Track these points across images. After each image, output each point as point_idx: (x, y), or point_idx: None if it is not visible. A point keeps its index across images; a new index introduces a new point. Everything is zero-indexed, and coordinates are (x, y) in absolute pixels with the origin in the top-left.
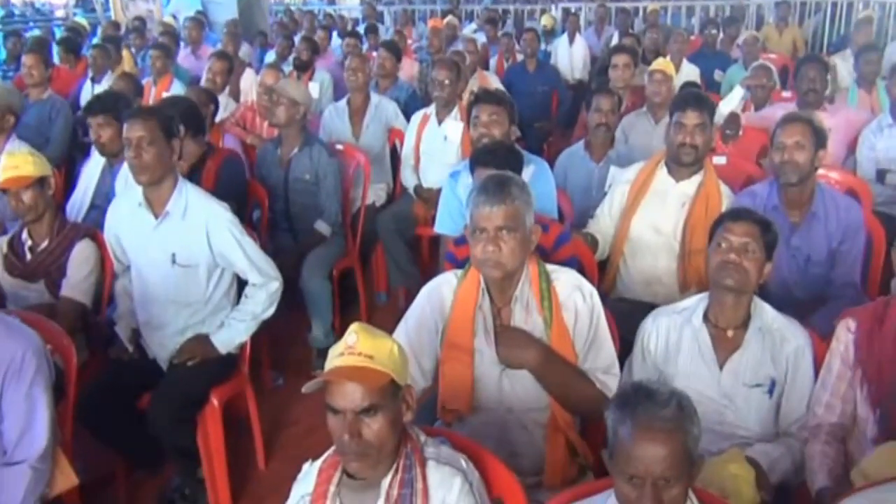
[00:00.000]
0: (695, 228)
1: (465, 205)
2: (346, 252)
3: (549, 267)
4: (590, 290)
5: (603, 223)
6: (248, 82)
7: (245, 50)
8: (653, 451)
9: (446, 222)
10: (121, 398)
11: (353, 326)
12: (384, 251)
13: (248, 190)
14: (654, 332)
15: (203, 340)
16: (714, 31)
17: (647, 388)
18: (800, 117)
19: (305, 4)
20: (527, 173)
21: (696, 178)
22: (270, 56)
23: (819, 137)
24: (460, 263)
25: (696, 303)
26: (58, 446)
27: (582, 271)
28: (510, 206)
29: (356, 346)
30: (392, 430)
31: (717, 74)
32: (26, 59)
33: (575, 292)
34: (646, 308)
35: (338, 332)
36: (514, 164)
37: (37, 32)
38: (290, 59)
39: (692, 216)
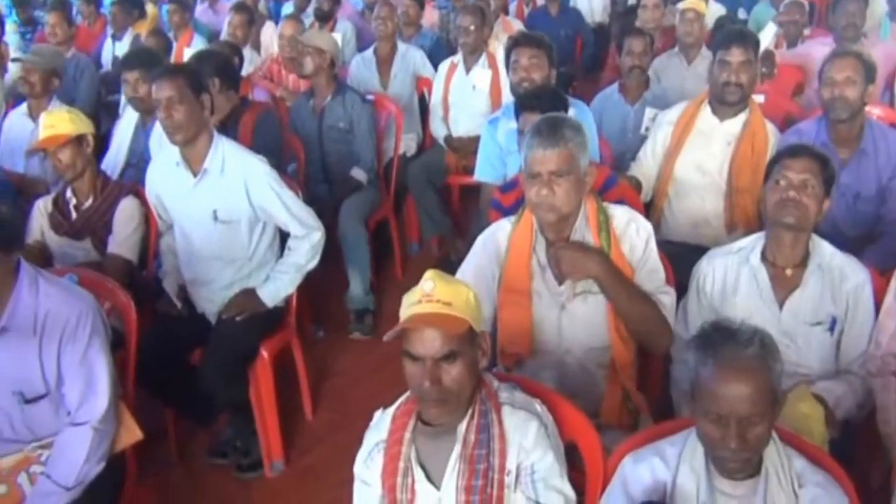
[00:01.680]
0: (741, 168)
1: (519, 149)
2: (380, 202)
3: (605, 204)
4: (645, 224)
5: (646, 165)
6: (269, 35)
7: (261, 2)
8: (738, 390)
9: (486, 170)
10: (171, 353)
11: (429, 274)
12: (415, 202)
13: (283, 143)
14: (710, 273)
15: (250, 295)
16: None
17: (728, 327)
18: (850, 52)
19: None
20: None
21: (741, 117)
22: (288, 7)
23: (869, 72)
24: (507, 210)
25: (753, 242)
26: (121, 402)
27: None
28: (564, 148)
29: (434, 293)
30: (470, 375)
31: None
32: (50, 18)
33: (630, 225)
34: (693, 250)
35: (374, 286)
36: (560, 107)
37: None
38: (310, 10)
39: (738, 155)
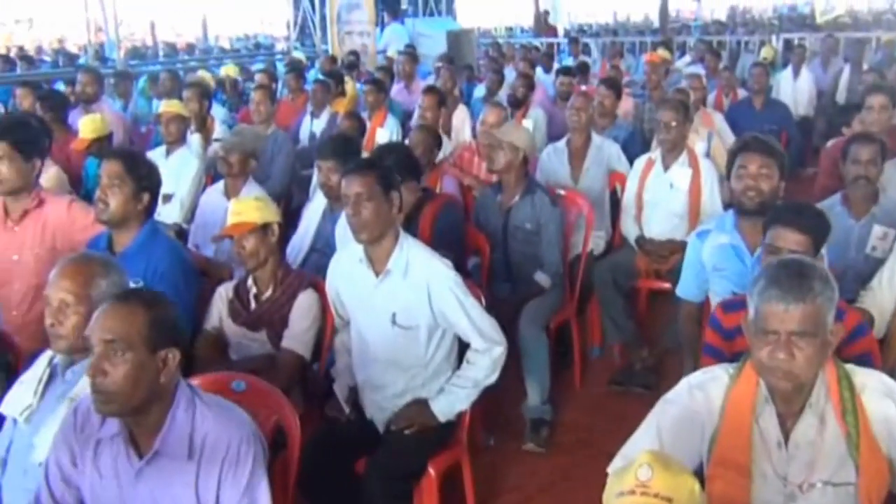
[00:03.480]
0: None
1: (750, 293)
2: (563, 304)
3: (848, 367)
4: None
5: (881, 298)
6: (461, 119)
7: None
8: None
9: (689, 287)
10: (336, 460)
11: (646, 457)
12: (600, 304)
13: (466, 238)
14: None
15: (422, 407)
16: None
17: None
18: None
19: (511, 38)
20: None
21: None
22: (480, 91)
23: None
24: (727, 333)
25: None
26: None
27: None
28: (810, 305)
29: (651, 485)
30: None
31: None
32: (255, 96)
33: (885, 402)
34: None
35: (551, 394)
36: (822, 232)
37: (261, 66)
38: (502, 94)
39: None
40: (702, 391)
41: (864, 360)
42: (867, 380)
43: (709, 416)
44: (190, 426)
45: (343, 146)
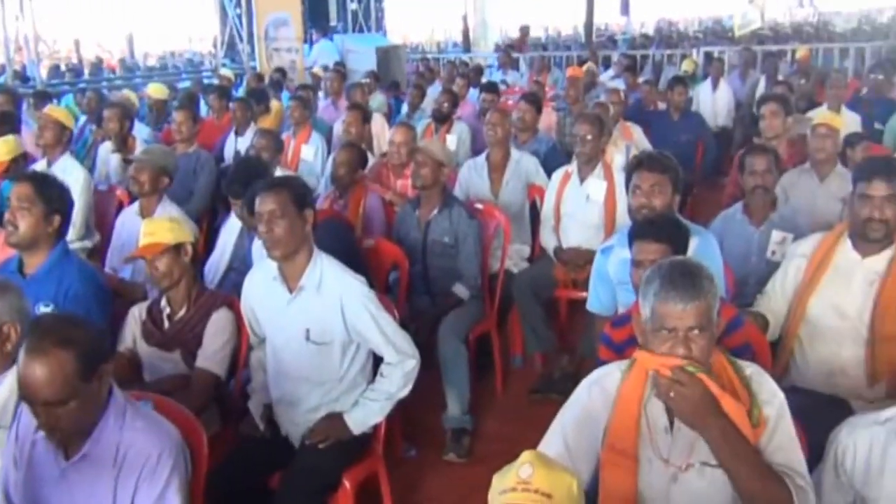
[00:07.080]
0: (886, 311)
1: (643, 294)
2: (483, 315)
3: (742, 363)
4: (774, 388)
5: (774, 301)
6: (378, 127)
7: (380, 99)
8: None
9: (597, 301)
10: (250, 476)
11: (527, 455)
12: (520, 315)
13: (357, 255)
14: (851, 447)
15: (336, 421)
16: (880, 77)
17: None
18: None
19: (442, 53)
20: (691, 247)
21: (887, 254)
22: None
23: None
24: (618, 347)
25: None
26: None
27: (754, 360)
28: (702, 302)
29: (531, 482)
30: None
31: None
32: (177, 116)
33: (761, 391)
34: (826, 402)
35: (471, 404)
36: (680, 239)
37: (187, 84)
38: (426, 109)
39: (883, 297)
40: (598, 386)
41: (743, 351)
42: (750, 370)
43: (604, 409)
44: (118, 435)
45: (250, 176)
